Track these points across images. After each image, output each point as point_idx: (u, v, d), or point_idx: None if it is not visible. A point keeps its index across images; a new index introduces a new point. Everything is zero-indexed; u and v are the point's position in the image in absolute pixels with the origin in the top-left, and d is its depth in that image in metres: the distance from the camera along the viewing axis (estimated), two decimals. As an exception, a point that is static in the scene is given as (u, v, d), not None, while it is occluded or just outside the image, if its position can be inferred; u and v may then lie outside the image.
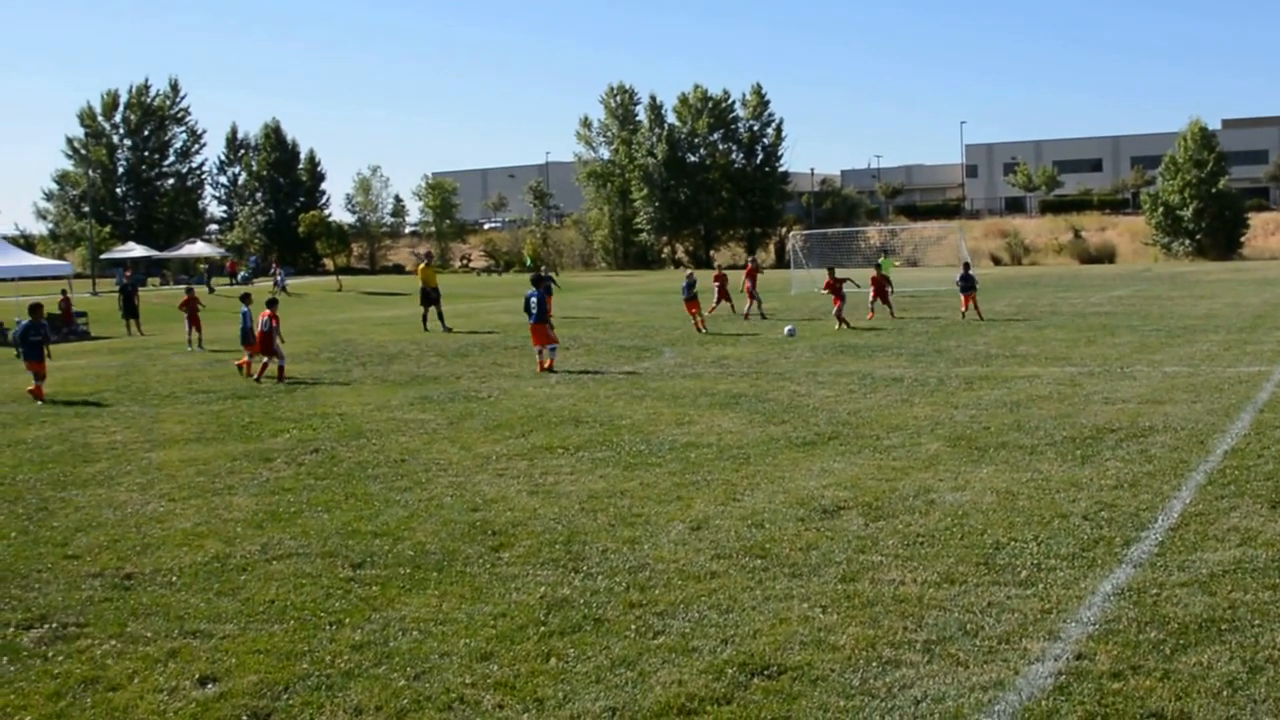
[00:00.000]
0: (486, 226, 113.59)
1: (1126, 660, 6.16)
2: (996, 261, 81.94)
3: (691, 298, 29.53)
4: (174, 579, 8.27)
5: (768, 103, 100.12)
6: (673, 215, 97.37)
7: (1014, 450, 11.84)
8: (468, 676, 6.28)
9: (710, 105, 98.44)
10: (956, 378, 17.82)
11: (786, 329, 26.46)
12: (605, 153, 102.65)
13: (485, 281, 68.71)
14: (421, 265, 35.06)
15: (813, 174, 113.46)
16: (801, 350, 23.09)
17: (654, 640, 6.72)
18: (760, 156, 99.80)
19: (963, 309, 30.09)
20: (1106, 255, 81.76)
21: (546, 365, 20.62)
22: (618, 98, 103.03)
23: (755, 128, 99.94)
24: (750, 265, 36.19)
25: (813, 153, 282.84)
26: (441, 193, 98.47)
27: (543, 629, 6.97)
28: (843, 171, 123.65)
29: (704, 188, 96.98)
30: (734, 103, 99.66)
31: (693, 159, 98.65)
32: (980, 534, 8.69)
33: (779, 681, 6.06)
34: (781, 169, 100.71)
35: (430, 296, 31.49)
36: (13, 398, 19.54)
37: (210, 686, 6.26)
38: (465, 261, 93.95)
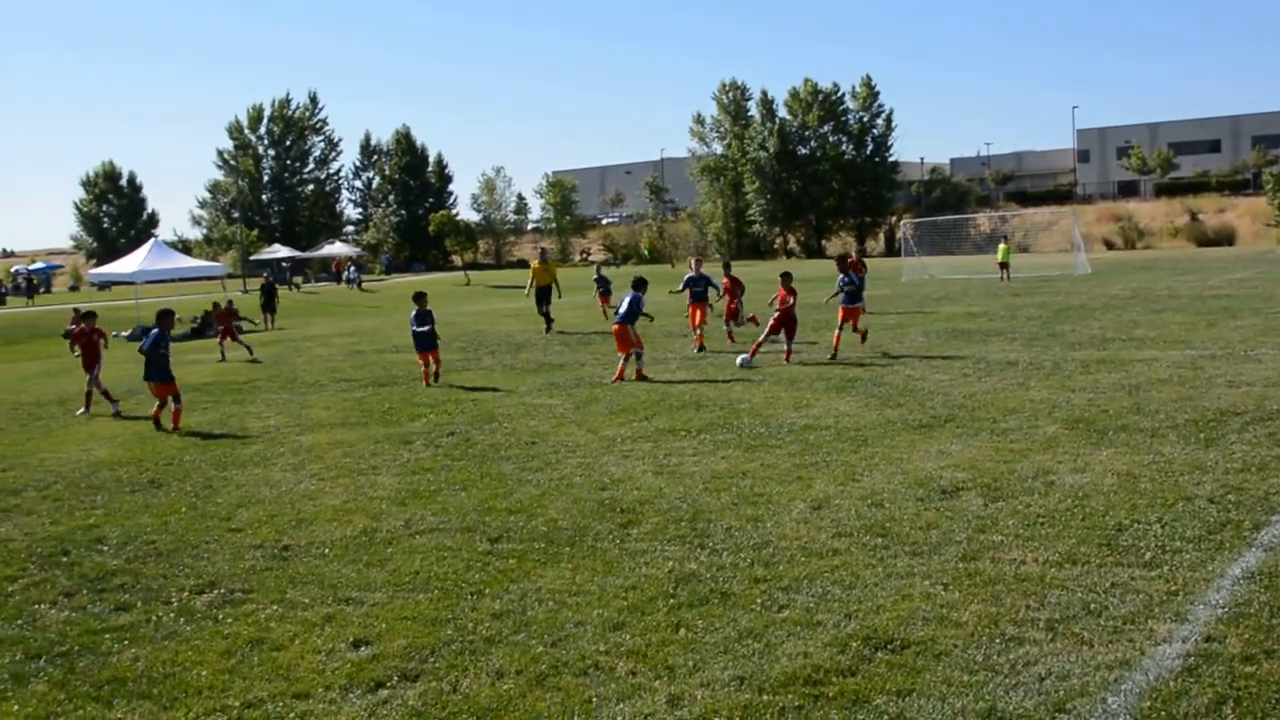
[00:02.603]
0: (605, 222, 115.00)
1: (1259, 644, 5.99)
2: (1110, 246, 79.99)
3: (701, 298, 23.03)
4: (327, 551, 8.73)
5: (877, 94, 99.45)
6: (784, 207, 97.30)
7: (1134, 433, 11.66)
8: (601, 645, 6.48)
9: (820, 98, 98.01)
10: (1072, 361, 17.59)
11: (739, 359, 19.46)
12: (718, 147, 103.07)
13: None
14: (535, 263, 31.10)
15: (922, 163, 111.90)
16: (914, 335, 23.01)
17: (779, 614, 6.83)
18: (870, 147, 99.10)
19: (838, 331, 20.30)
20: (1225, 238, 79.14)
21: (620, 375, 17.95)
22: (730, 94, 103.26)
23: (865, 119, 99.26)
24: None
25: (922, 142, 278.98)
26: (561, 190, 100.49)
27: (672, 601, 7.14)
28: (952, 160, 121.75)
29: (815, 179, 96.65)
30: (844, 95, 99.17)
31: (803, 151, 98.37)
32: (1102, 515, 8.59)
33: (902, 655, 6.10)
34: (891, 159, 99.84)
35: (543, 295, 29.32)
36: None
37: (364, 649, 6.61)
38: (585, 255, 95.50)
